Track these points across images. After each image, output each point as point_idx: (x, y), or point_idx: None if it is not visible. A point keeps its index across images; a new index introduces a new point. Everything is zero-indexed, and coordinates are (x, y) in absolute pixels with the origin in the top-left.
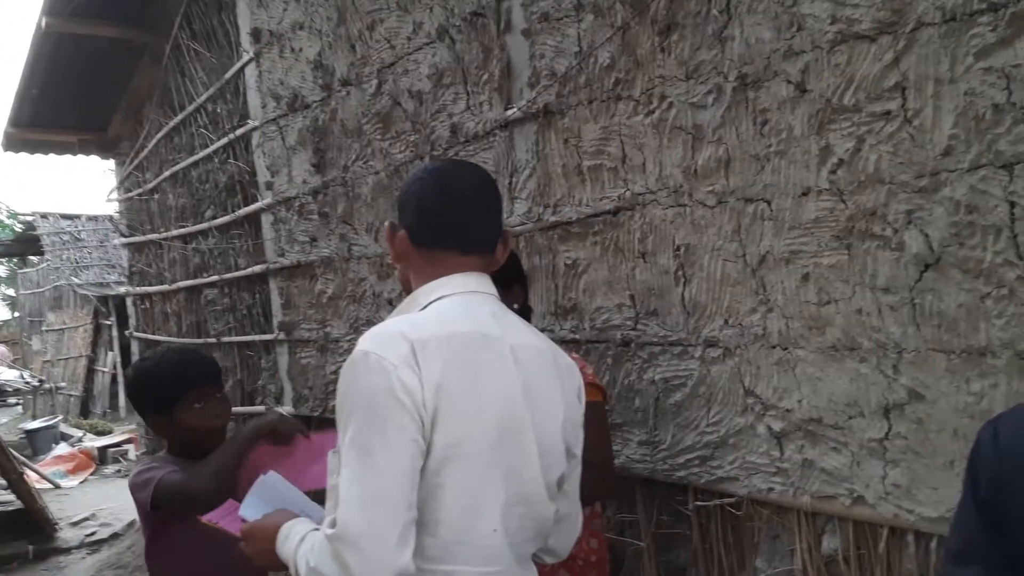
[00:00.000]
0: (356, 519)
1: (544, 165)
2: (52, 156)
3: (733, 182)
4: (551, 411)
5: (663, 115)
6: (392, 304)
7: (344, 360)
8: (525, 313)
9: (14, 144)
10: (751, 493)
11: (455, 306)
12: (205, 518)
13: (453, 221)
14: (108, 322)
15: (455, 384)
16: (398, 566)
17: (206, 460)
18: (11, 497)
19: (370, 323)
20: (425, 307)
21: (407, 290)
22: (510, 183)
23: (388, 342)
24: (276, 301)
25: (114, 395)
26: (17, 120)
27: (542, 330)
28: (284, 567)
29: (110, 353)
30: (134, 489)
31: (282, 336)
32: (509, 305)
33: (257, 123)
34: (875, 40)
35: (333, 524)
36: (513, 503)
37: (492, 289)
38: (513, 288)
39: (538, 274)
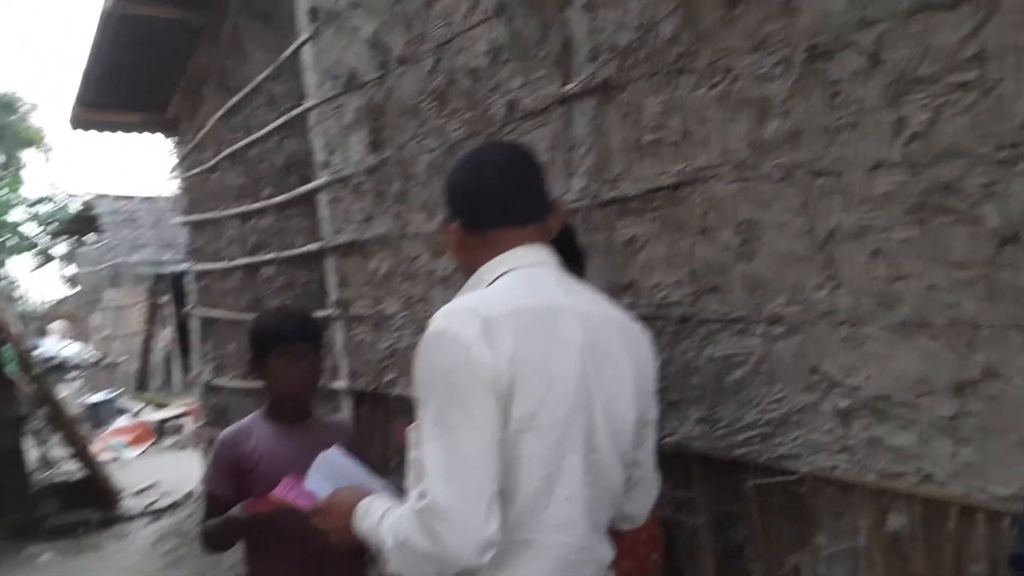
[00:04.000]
0: (444, 493)
1: (602, 140)
2: (116, 135)
3: (801, 155)
4: (621, 378)
5: (728, 88)
6: (445, 282)
7: (397, 337)
8: None
9: (81, 123)
10: (814, 471)
11: (521, 279)
12: (278, 493)
13: (497, 198)
14: (163, 300)
15: (527, 357)
16: (486, 536)
17: (220, 521)
18: (77, 467)
19: (423, 301)
20: (491, 283)
21: (462, 269)
22: (567, 159)
23: (461, 319)
24: (332, 279)
25: (169, 370)
26: (83, 99)
27: None
28: (359, 543)
29: (165, 330)
30: (214, 447)
31: (337, 313)
32: None
33: (314, 102)
34: (953, 9)
35: (420, 497)
36: (586, 472)
37: (554, 259)
38: (570, 266)
39: (595, 251)
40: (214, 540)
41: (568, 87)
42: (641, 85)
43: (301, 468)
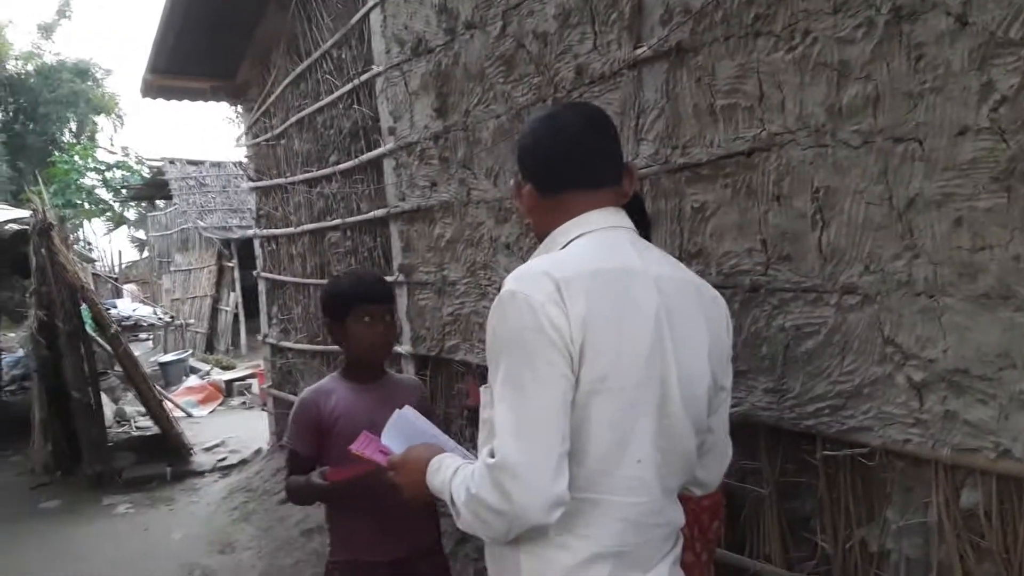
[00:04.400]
0: (514, 450)
1: (673, 105)
2: (185, 102)
3: (881, 121)
4: (696, 343)
5: (806, 51)
6: (509, 248)
7: (460, 303)
8: None
9: (151, 90)
10: (885, 444)
11: (596, 242)
12: (353, 448)
13: (572, 160)
14: (230, 264)
15: (600, 319)
16: (555, 494)
17: (307, 481)
18: (150, 423)
19: (486, 267)
20: (565, 246)
21: (536, 232)
22: (636, 124)
23: (533, 281)
24: (396, 244)
25: (236, 333)
26: (154, 67)
27: None
28: (431, 496)
29: (232, 293)
30: (294, 408)
31: (401, 278)
32: None
33: (381, 68)
34: None
35: (492, 454)
36: (658, 436)
37: (629, 223)
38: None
39: (663, 218)
40: (298, 496)
41: (639, 51)
42: (716, 48)
43: (377, 425)
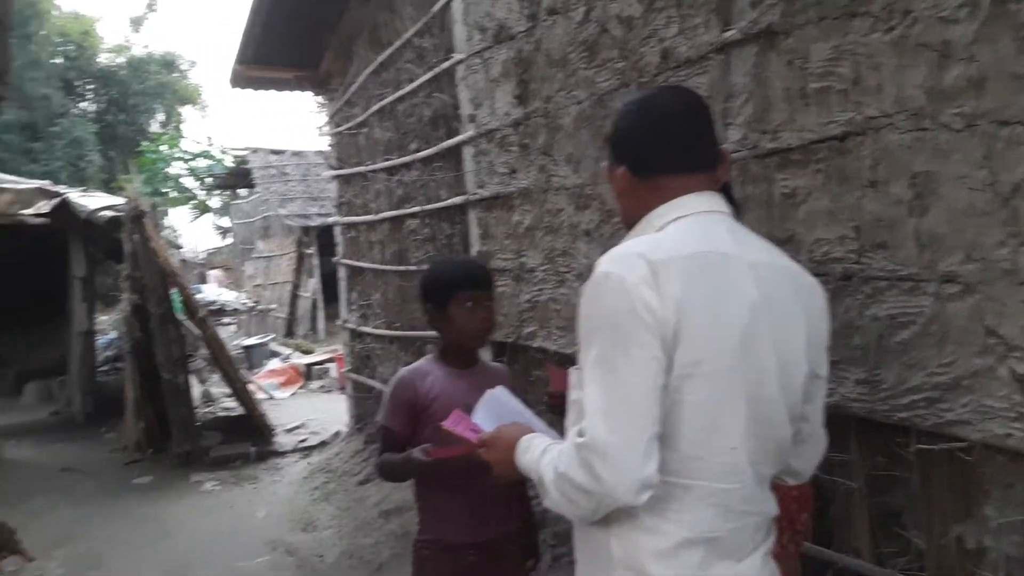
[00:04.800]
0: (603, 431)
1: (763, 89)
2: (266, 92)
3: (985, 104)
4: (792, 331)
5: (905, 31)
6: (589, 235)
7: (538, 290)
8: None
9: (239, 81)
10: (985, 438)
11: (692, 226)
12: (446, 424)
13: (668, 143)
14: (309, 251)
15: (696, 303)
16: (644, 476)
17: (401, 458)
18: (235, 404)
19: (566, 254)
20: (661, 229)
21: (629, 226)
22: (724, 109)
23: (627, 262)
24: (474, 231)
25: (314, 318)
26: (243, 58)
27: None
28: (519, 475)
29: (311, 280)
30: (390, 387)
31: None
32: None
33: (462, 56)
34: None
35: (581, 434)
36: (752, 423)
37: (725, 207)
38: None
39: (752, 204)
40: (390, 473)
41: (728, 33)
42: (809, 30)
43: (471, 409)
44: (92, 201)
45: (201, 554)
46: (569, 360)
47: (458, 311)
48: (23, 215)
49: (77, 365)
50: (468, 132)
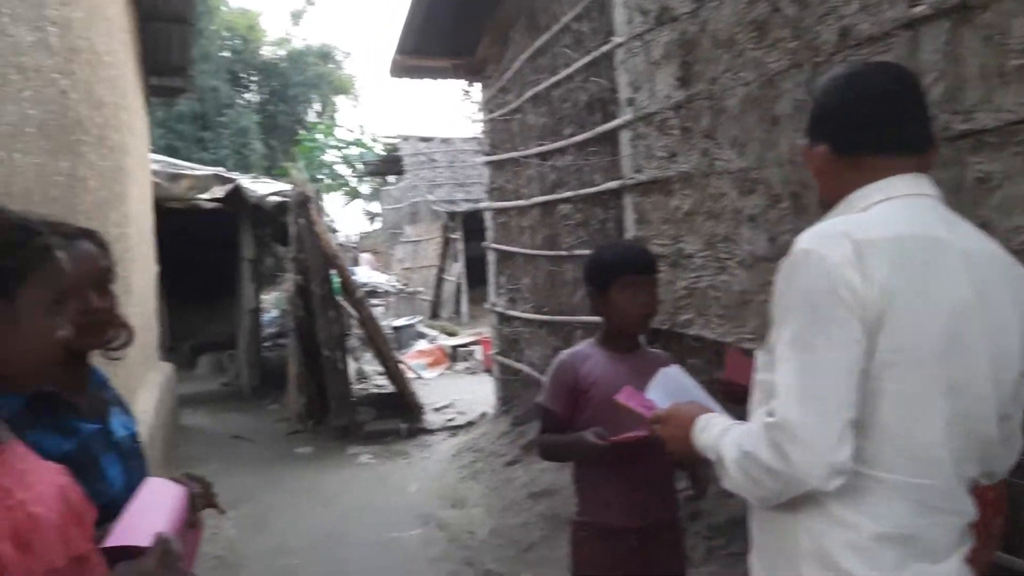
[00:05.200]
0: (796, 412)
1: (955, 67)
2: (426, 81)
3: None
4: (1007, 323)
5: None
6: (753, 220)
7: (696, 277)
8: None
9: (398, 70)
10: None
11: (900, 208)
12: (619, 397)
13: (876, 121)
14: (455, 236)
15: (902, 288)
16: (836, 460)
17: (569, 439)
18: (385, 382)
19: (727, 240)
20: (865, 209)
21: (827, 207)
22: None
23: (830, 241)
24: (630, 216)
25: (458, 301)
26: (403, 48)
27: None
28: (694, 453)
29: (455, 264)
30: (551, 368)
31: None
32: None
33: (621, 39)
34: None
35: (771, 414)
36: (958, 418)
37: (936, 191)
38: None
39: (942, 188)
40: (552, 452)
41: (917, 9)
42: (1009, 4)
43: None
44: (261, 187)
45: (357, 523)
46: (726, 349)
47: (619, 295)
48: (200, 199)
49: (245, 340)
50: (626, 116)
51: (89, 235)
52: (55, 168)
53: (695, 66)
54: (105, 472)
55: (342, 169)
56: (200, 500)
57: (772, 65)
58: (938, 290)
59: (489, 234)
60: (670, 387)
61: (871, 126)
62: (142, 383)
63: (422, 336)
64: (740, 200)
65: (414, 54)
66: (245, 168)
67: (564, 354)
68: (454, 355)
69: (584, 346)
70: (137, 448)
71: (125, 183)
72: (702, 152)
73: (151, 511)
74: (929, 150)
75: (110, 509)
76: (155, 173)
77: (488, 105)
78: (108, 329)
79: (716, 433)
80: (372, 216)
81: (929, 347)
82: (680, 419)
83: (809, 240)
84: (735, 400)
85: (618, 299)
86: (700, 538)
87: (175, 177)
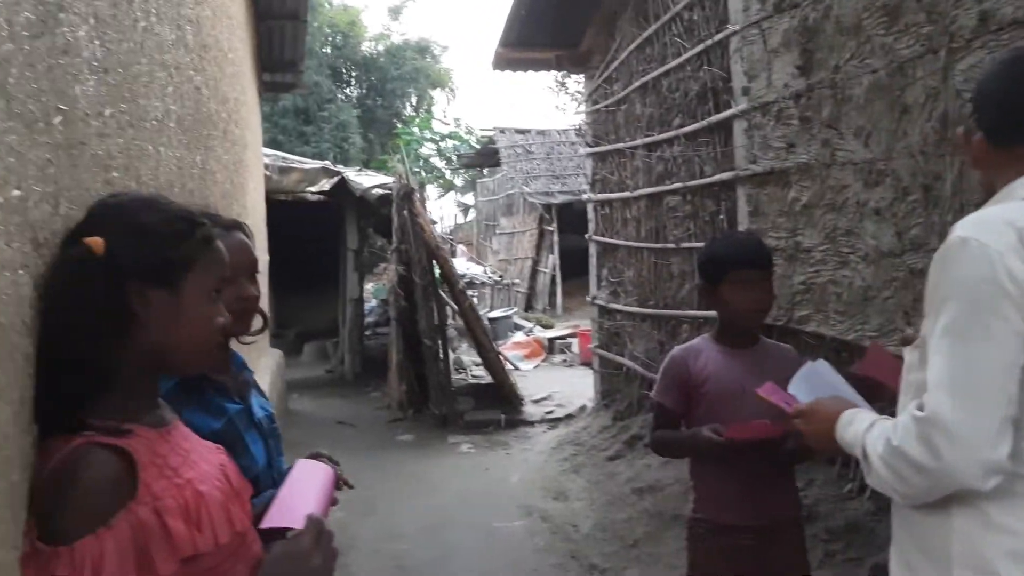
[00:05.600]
0: (949, 406)
1: None
2: (528, 73)
3: None
4: None
5: None
6: (879, 214)
7: (815, 271)
8: None
9: (501, 63)
10: None
11: None
12: (762, 392)
13: None
14: (550, 228)
15: None
16: (992, 459)
17: (687, 435)
18: (483, 372)
19: (849, 233)
20: None
21: (988, 195)
22: None
23: (991, 228)
24: (743, 208)
25: (552, 294)
26: (506, 41)
27: None
28: (838, 449)
29: (550, 256)
30: (664, 363)
31: None
32: None
33: (737, 27)
34: None
35: (922, 408)
36: None
37: None
38: None
39: None
40: (666, 448)
41: None
42: None
43: (747, 390)
44: (364, 179)
45: (461, 511)
46: (846, 347)
47: (731, 290)
48: (307, 192)
49: (348, 328)
50: (740, 105)
51: (240, 227)
52: (191, 161)
53: (817, 54)
54: (250, 449)
55: (437, 162)
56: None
57: (903, 51)
58: None
59: (591, 226)
60: (814, 383)
61: (1021, 116)
62: (256, 368)
63: (518, 328)
64: (864, 192)
65: (517, 47)
66: (344, 162)
67: (677, 349)
68: (550, 347)
69: (698, 341)
70: (275, 428)
71: (244, 175)
72: (823, 142)
73: (304, 493)
74: None
75: (255, 484)
76: (266, 167)
77: (592, 96)
78: (254, 316)
79: (862, 428)
80: (465, 208)
81: None
82: (824, 414)
83: (967, 228)
84: (869, 398)
85: (730, 294)
86: (817, 541)
87: (285, 170)
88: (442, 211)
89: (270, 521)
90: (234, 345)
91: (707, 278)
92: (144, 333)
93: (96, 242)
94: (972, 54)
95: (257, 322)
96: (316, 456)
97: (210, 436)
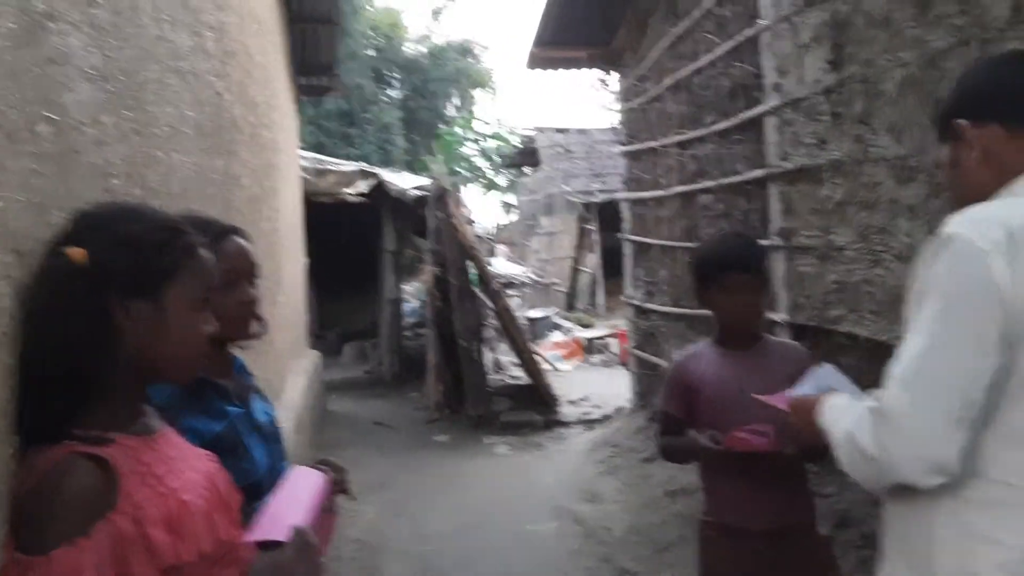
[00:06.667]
0: (901, 400)
1: None
2: (561, 72)
3: None
4: None
5: None
6: (912, 211)
7: (847, 270)
8: None
9: (535, 62)
10: None
11: None
12: (768, 399)
13: None
14: (591, 227)
15: None
16: (936, 457)
17: (683, 442)
18: (520, 373)
19: (883, 231)
20: None
21: (960, 197)
22: None
23: (979, 226)
24: (775, 207)
25: (593, 293)
26: (540, 40)
27: None
28: (821, 438)
29: (591, 255)
30: (669, 370)
31: (780, 242)
32: None
33: (768, 22)
34: None
35: (879, 398)
36: None
37: None
38: None
39: None
40: (671, 454)
41: None
42: None
43: (746, 392)
44: (402, 181)
45: (494, 513)
46: (883, 348)
47: (720, 294)
48: (345, 193)
49: (386, 329)
50: (772, 102)
51: (237, 231)
52: (211, 166)
53: (847, 48)
54: (251, 452)
55: (480, 162)
56: (336, 486)
57: (935, 44)
58: None
59: (625, 225)
60: (821, 384)
61: None
62: (291, 370)
63: (558, 327)
64: (897, 189)
65: (551, 45)
66: (388, 163)
67: (678, 356)
68: (589, 347)
69: (700, 344)
70: (277, 432)
71: (275, 179)
72: (855, 139)
73: (292, 503)
74: None
75: (257, 488)
76: (303, 169)
77: (626, 94)
78: (254, 320)
79: (836, 414)
80: (509, 208)
81: None
82: (811, 403)
83: (958, 223)
84: None
85: (719, 298)
86: (851, 547)
87: (322, 172)
88: (486, 211)
89: (255, 535)
90: (258, 349)
91: (699, 279)
92: (128, 343)
93: (76, 252)
94: (1006, 44)
95: (258, 326)
96: (323, 463)
97: (211, 440)
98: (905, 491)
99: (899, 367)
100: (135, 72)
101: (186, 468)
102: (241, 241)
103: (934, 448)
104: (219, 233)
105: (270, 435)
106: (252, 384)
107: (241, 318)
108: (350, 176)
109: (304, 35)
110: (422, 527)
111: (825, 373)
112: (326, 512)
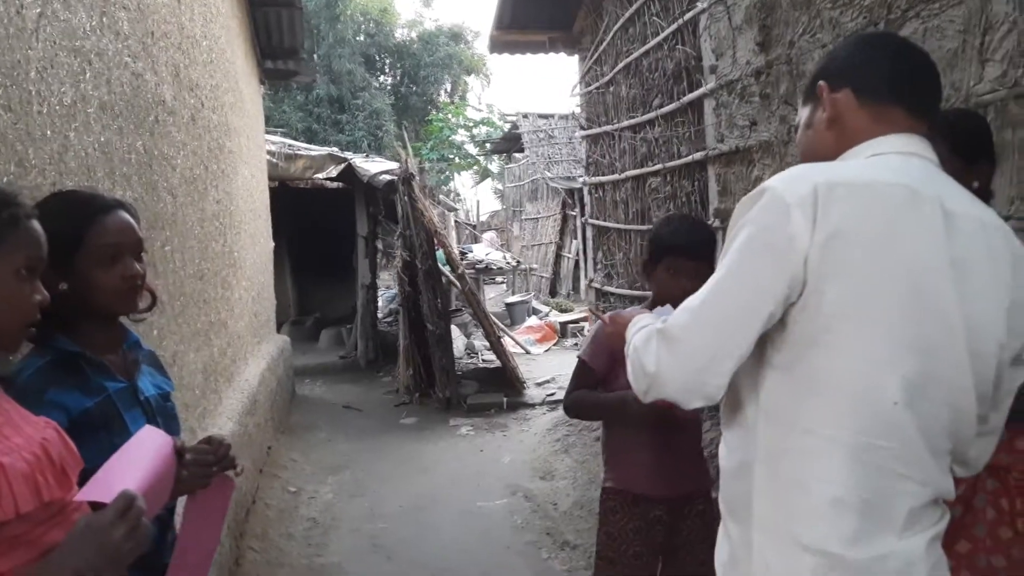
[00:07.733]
0: (683, 324)
1: None
2: (526, 56)
3: None
4: (990, 294)
5: None
6: None
7: None
8: (984, 196)
9: (496, 46)
10: None
11: (889, 161)
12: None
13: (907, 77)
14: (573, 212)
15: (860, 236)
16: (699, 387)
17: (613, 397)
18: (493, 356)
19: None
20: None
21: (804, 158)
22: (982, 43)
23: (792, 180)
24: (712, 188)
25: (576, 279)
26: (500, 23)
27: (1006, 218)
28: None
29: (574, 241)
30: (595, 329)
31: (717, 224)
32: (968, 184)
33: (705, 5)
34: None
35: (665, 320)
36: (925, 382)
37: (933, 156)
38: (978, 164)
39: (1009, 151)
40: (583, 409)
41: None
42: None
43: None
44: (373, 166)
45: (449, 491)
46: None
47: (663, 274)
48: (316, 179)
49: (361, 315)
50: (709, 84)
51: (122, 205)
52: (125, 146)
53: (774, 30)
54: (129, 428)
55: (472, 148)
56: (225, 462)
57: (848, 24)
58: (904, 243)
59: (586, 209)
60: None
61: (896, 77)
62: (252, 354)
63: (536, 312)
64: None
65: (511, 28)
66: (378, 150)
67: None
68: (563, 331)
69: (632, 309)
70: (167, 407)
71: (226, 161)
72: (781, 119)
73: (128, 464)
74: (930, 123)
75: None
76: (272, 154)
77: (585, 78)
78: (141, 294)
79: (637, 328)
80: (500, 194)
81: (887, 301)
82: (624, 318)
83: (776, 178)
84: None
85: (663, 277)
86: None
87: (291, 157)
88: (478, 198)
89: (84, 494)
90: (208, 332)
91: (648, 256)
92: None
93: None
94: (908, 24)
95: (146, 299)
96: (206, 441)
97: (80, 415)
98: (733, 449)
99: (695, 296)
100: (8, 51)
101: (13, 433)
102: (125, 215)
103: (698, 375)
104: (102, 207)
105: (158, 410)
106: (146, 357)
107: (126, 291)
108: (320, 161)
109: (267, 19)
110: (377, 506)
111: (666, 311)
112: (165, 477)
